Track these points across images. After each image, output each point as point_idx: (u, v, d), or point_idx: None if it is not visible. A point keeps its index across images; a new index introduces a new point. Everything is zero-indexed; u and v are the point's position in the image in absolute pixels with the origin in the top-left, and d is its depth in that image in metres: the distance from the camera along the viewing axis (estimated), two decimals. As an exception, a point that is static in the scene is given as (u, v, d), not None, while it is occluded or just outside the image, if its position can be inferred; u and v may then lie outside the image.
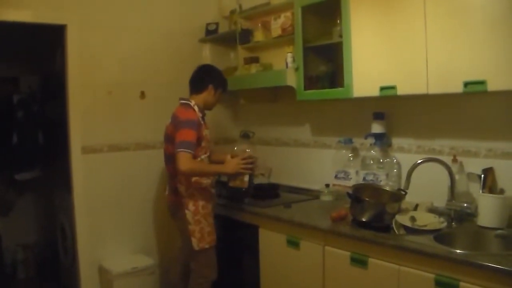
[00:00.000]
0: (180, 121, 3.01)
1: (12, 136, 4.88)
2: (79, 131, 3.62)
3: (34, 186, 5.16)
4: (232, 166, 3.15)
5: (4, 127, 4.86)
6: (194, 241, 3.06)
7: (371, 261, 2.43)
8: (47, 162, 4.95)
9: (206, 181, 3.12)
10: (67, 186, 3.75)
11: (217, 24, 4.16)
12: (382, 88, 2.70)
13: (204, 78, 3.20)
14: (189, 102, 3.14)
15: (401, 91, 2.61)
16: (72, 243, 3.85)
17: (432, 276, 2.14)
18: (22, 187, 5.10)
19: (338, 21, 3.02)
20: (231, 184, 3.27)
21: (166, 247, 3.99)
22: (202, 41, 4.20)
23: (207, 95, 3.17)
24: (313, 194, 3.52)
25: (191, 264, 3.17)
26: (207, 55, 4.20)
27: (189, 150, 2.91)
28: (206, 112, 3.25)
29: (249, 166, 3.19)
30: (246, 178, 3.22)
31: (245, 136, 4.01)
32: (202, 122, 3.09)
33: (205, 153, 3.13)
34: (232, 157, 3.22)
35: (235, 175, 3.20)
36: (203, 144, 3.08)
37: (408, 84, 2.58)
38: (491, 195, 2.48)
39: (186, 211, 3.07)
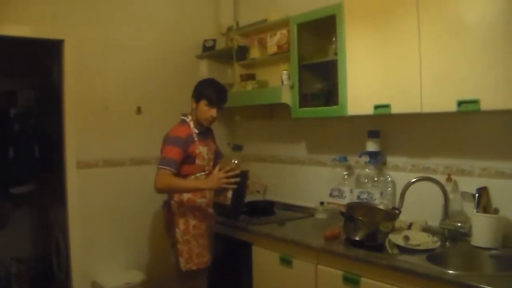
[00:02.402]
0: (166, 138, 2.99)
1: (8, 149, 4.87)
2: (75, 145, 3.61)
3: (29, 200, 5.14)
4: (212, 180, 2.90)
5: (0, 140, 4.85)
6: (182, 261, 2.99)
7: (364, 280, 2.41)
8: (42, 176, 4.94)
9: (200, 200, 3.06)
10: (62, 201, 3.74)
11: (214, 40, 4.17)
12: (376, 107, 2.70)
13: (192, 92, 3.13)
14: (185, 118, 3.10)
15: (395, 109, 2.61)
16: (66, 257, 3.83)
17: (424, 296, 2.13)
18: (17, 200, 5.08)
19: (334, 39, 3.03)
20: (215, 199, 3.13)
21: (159, 263, 3.95)
22: (199, 57, 4.21)
23: (193, 109, 3.07)
24: (308, 212, 3.50)
25: (178, 285, 3.11)
26: (204, 71, 4.21)
27: (167, 167, 2.86)
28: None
29: (232, 180, 2.91)
30: (230, 194, 3.03)
31: (236, 148, 3.97)
32: (195, 139, 3.02)
33: (202, 171, 3.07)
34: (221, 168, 2.98)
35: (219, 190, 3.01)
36: (197, 162, 3.02)
37: (402, 103, 2.58)
38: (485, 214, 2.47)
39: (176, 230, 3.01)
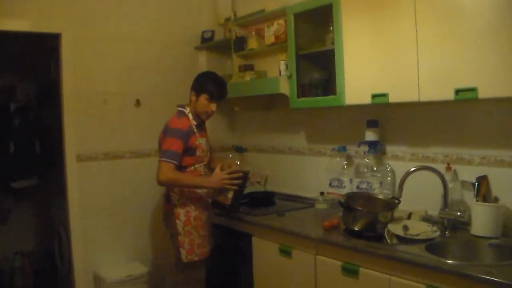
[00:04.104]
0: (168, 130, 2.99)
1: (9, 144, 4.87)
2: (74, 139, 3.62)
3: (31, 194, 5.15)
4: (216, 180, 2.98)
5: (1, 135, 4.85)
6: (183, 253, 3.00)
7: (362, 270, 2.40)
8: (44, 170, 4.94)
9: (201, 190, 3.07)
10: (63, 194, 3.74)
11: (212, 31, 4.15)
12: (373, 96, 2.68)
13: (192, 84, 3.14)
14: (183, 110, 3.09)
15: (392, 98, 2.59)
16: (68, 251, 3.84)
17: (423, 286, 2.12)
18: (19, 195, 5.10)
19: (331, 28, 3.00)
20: (215, 197, 3.12)
21: (161, 255, 3.96)
22: (198, 48, 4.19)
23: (192, 101, 3.08)
24: (308, 202, 3.50)
25: (179, 276, 3.11)
26: (203, 62, 4.20)
27: (171, 160, 2.87)
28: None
29: (235, 182, 3.00)
30: (230, 194, 3.04)
31: (238, 150, 4.01)
32: (194, 131, 3.02)
33: (202, 162, 3.08)
34: (222, 169, 3.04)
35: (221, 189, 3.06)
36: (197, 153, 3.03)
37: (400, 92, 2.56)
38: (484, 203, 2.45)
39: (177, 221, 3.01)
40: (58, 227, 4.20)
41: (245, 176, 3.12)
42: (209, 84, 3.06)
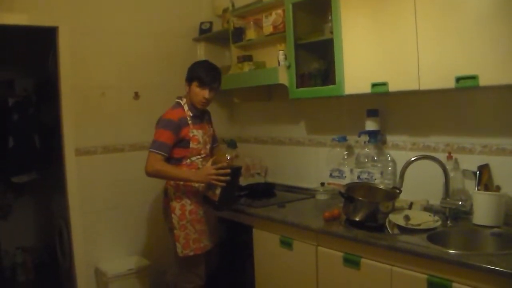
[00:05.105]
0: (159, 121, 2.98)
1: (8, 139, 4.85)
2: (73, 133, 3.60)
3: (31, 189, 5.15)
4: (203, 174, 2.88)
5: (0, 130, 4.84)
6: (178, 247, 2.98)
7: (364, 261, 2.39)
8: (44, 164, 4.93)
9: (198, 184, 3.01)
10: (63, 188, 3.73)
11: (211, 23, 4.12)
12: (373, 85, 2.65)
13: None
14: (180, 101, 3.07)
15: (392, 87, 2.57)
16: (69, 245, 3.83)
17: (424, 276, 2.10)
18: (19, 190, 5.09)
19: (330, 17, 2.97)
20: (205, 193, 2.99)
21: (162, 248, 3.94)
22: (196, 40, 4.17)
23: (187, 92, 3.06)
24: (309, 193, 3.47)
25: (176, 269, 3.10)
26: (201, 54, 4.17)
27: (159, 151, 2.86)
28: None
29: (222, 178, 2.86)
30: (218, 191, 2.89)
31: (231, 144, 3.98)
32: (189, 122, 2.99)
33: (198, 155, 3.05)
34: (214, 163, 2.94)
35: (210, 185, 2.92)
36: (191, 145, 2.99)
37: (400, 81, 2.53)
38: (486, 192, 2.43)
39: (173, 215, 2.99)
40: (59, 222, 4.19)
41: (235, 173, 3.00)
42: (198, 70, 3.01)
